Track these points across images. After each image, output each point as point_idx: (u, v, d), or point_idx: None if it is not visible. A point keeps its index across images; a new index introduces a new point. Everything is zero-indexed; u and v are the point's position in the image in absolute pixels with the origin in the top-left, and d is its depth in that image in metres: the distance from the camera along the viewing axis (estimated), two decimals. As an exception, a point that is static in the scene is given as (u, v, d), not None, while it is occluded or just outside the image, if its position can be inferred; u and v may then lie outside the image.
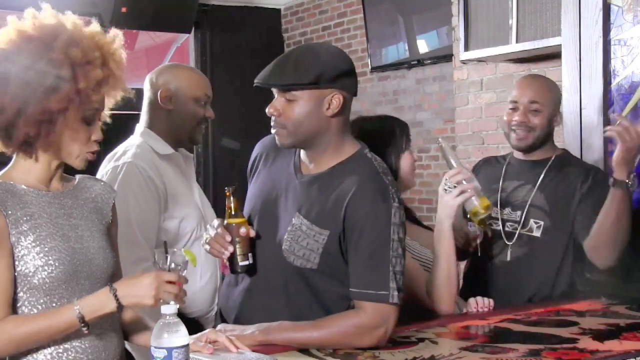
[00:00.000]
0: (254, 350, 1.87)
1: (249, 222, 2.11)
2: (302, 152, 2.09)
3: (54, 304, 1.73)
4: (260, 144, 2.24)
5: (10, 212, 1.71)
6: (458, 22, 4.31)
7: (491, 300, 2.41)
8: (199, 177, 3.98)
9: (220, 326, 2.05)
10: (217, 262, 2.54)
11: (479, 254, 2.51)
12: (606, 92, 2.90)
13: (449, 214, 2.25)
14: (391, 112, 2.77)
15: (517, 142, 2.65)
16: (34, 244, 1.72)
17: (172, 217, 2.50)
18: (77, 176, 1.91)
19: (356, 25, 6.18)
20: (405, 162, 2.44)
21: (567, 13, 3.02)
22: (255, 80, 2.00)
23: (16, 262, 1.71)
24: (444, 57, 5.25)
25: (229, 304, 2.16)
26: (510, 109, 2.66)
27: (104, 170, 2.50)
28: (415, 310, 2.24)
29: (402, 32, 5.73)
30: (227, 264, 2.11)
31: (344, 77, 1.99)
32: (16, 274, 1.71)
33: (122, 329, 1.90)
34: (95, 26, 1.81)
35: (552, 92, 2.67)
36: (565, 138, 3.02)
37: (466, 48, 4.24)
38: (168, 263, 1.77)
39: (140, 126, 2.62)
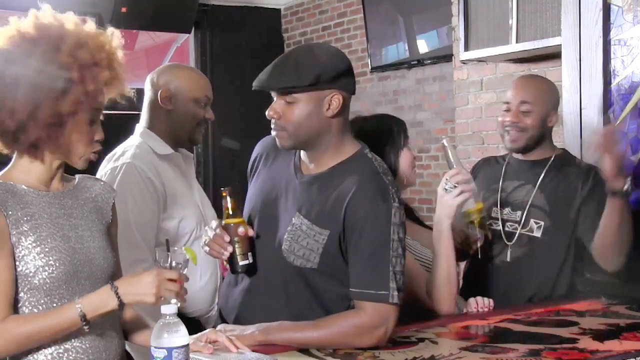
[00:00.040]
0: (254, 350, 1.87)
1: (249, 222, 2.11)
2: (303, 152, 2.09)
3: (54, 304, 1.73)
4: (261, 144, 2.24)
5: (10, 212, 1.71)
6: (458, 22, 4.31)
7: (491, 300, 2.41)
8: (198, 177, 3.97)
9: (220, 326, 2.05)
10: (217, 261, 2.54)
11: (480, 257, 2.51)
12: (606, 92, 2.90)
13: (449, 214, 2.25)
14: (391, 112, 2.77)
15: (511, 143, 2.65)
16: (34, 244, 1.72)
17: (171, 217, 2.50)
18: (77, 176, 1.91)
19: (356, 25, 6.18)
20: (404, 159, 2.44)
21: (567, 13, 3.02)
22: (254, 84, 1.99)
23: (17, 263, 1.71)
24: (444, 57, 5.25)
25: (229, 303, 2.16)
26: (504, 110, 2.67)
27: (103, 170, 2.50)
28: (415, 310, 2.24)
29: (402, 32, 5.73)
30: (227, 264, 2.11)
31: (342, 77, 1.99)
32: (17, 274, 1.71)
33: (122, 328, 1.91)
34: (92, 25, 1.81)
35: (545, 92, 2.65)
36: (565, 138, 3.01)
37: (466, 48, 4.24)
38: (169, 261, 1.78)
39: (140, 126, 2.62)
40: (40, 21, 1.76)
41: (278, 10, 6.96)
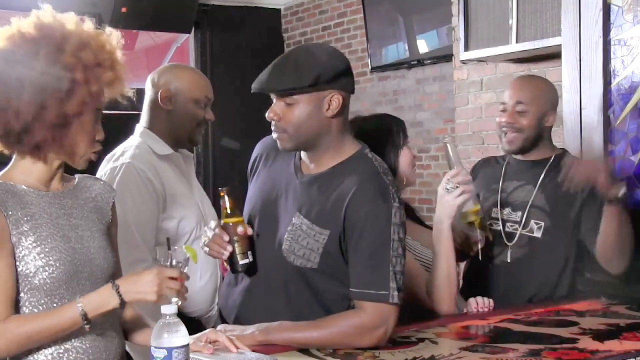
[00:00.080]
0: (254, 350, 1.87)
1: (250, 222, 2.11)
2: (303, 152, 2.09)
3: (54, 304, 1.73)
4: (261, 143, 2.24)
5: (10, 212, 1.71)
6: (458, 22, 4.31)
7: (491, 300, 2.41)
8: (198, 177, 3.98)
9: (220, 326, 2.05)
10: (217, 261, 2.54)
11: (480, 258, 2.51)
12: (606, 92, 2.90)
13: (449, 214, 2.25)
14: (391, 112, 2.77)
15: (508, 145, 2.65)
16: (34, 245, 1.72)
17: (170, 217, 2.50)
18: (77, 176, 1.91)
19: (356, 25, 6.18)
20: (404, 158, 2.44)
21: (567, 13, 3.02)
22: (253, 87, 1.99)
23: (17, 263, 1.71)
24: (444, 57, 5.25)
25: (229, 303, 2.16)
26: (500, 110, 2.67)
27: (103, 170, 2.50)
28: (415, 310, 2.24)
29: (402, 32, 5.73)
30: (227, 264, 2.11)
31: (341, 76, 1.99)
32: (17, 274, 1.71)
33: (121, 328, 1.90)
34: (91, 25, 1.81)
35: (541, 92, 2.65)
36: (565, 138, 3.01)
37: (466, 48, 4.24)
38: (170, 260, 1.78)
39: (140, 126, 2.62)
40: (42, 21, 1.76)
41: (278, 10, 6.96)
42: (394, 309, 1.92)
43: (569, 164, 2.49)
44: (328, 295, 2.02)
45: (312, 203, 2.01)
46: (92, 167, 1.93)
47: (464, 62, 4.42)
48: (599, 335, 2.06)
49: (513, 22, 3.92)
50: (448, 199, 2.25)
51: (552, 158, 2.67)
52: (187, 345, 1.59)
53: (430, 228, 2.37)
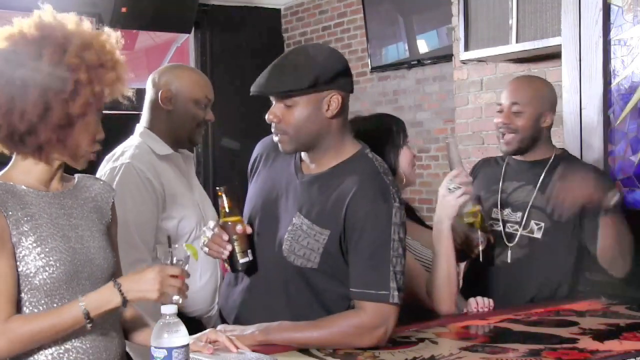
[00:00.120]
0: (254, 350, 1.87)
1: (250, 222, 2.11)
2: (304, 152, 2.09)
3: (54, 305, 1.73)
4: (261, 143, 2.24)
5: (10, 212, 1.71)
6: (458, 22, 4.31)
7: (491, 300, 2.41)
8: (199, 177, 3.97)
9: (220, 326, 2.05)
10: (217, 261, 2.54)
11: (481, 260, 2.51)
12: (606, 92, 2.90)
13: (450, 214, 2.25)
14: (391, 112, 2.77)
15: (505, 145, 2.65)
16: (34, 245, 1.72)
17: (170, 217, 2.50)
18: (77, 176, 1.91)
19: (356, 25, 6.18)
20: (404, 158, 2.44)
21: (567, 13, 3.02)
22: (252, 89, 1.99)
23: (17, 263, 1.71)
24: (444, 57, 5.25)
25: (229, 303, 2.16)
26: (497, 111, 2.68)
27: (103, 171, 2.51)
28: (415, 310, 2.24)
29: (402, 32, 5.73)
30: (227, 263, 2.11)
31: (340, 76, 1.99)
32: (18, 274, 1.71)
33: (121, 327, 1.90)
34: (89, 25, 1.81)
35: (537, 93, 2.64)
36: (565, 138, 3.01)
37: (466, 48, 4.24)
38: (170, 258, 1.78)
39: (140, 126, 2.62)
40: (43, 22, 1.76)
41: (278, 10, 6.96)
42: (394, 309, 1.92)
43: (555, 190, 2.49)
44: (328, 295, 2.02)
45: (312, 203, 2.01)
46: (92, 167, 1.93)
47: (464, 62, 4.42)
48: (599, 335, 2.06)
49: (513, 22, 3.92)
50: (450, 199, 2.25)
51: (552, 158, 2.67)
52: (187, 345, 1.59)
53: (430, 228, 2.37)
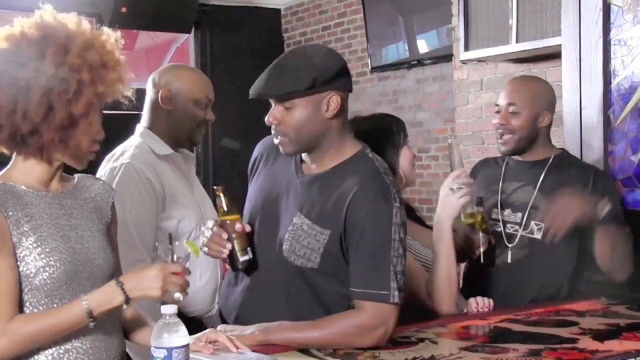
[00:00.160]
0: (254, 350, 1.87)
1: (250, 222, 2.11)
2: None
3: (54, 305, 1.73)
4: (261, 143, 2.24)
5: (11, 213, 1.71)
6: (458, 22, 4.31)
7: (491, 300, 2.41)
8: (198, 177, 3.97)
9: (220, 326, 2.05)
10: (217, 261, 2.54)
11: (482, 262, 2.51)
12: (606, 92, 2.90)
13: (452, 214, 2.25)
14: (391, 112, 2.77)
15: (503, 146, 2.65)
16: (35, 245, 1.71)
17: (170, 217, 2.50)
18: (76, 176, 1.91)
19: (356, 25, 6.18)
20: (404, 157, 2.44)
21: (567, 13, 3.02)
22: (251, 93, 1.99)
23: (18, 263, 1.71)
24: (444, 57, 5.25)
25: (229, 303, 2.16)
26: (495, 112, 2.68)
27: (103, 171, 2.51)
28: (415, 310, 2.24)
29: (402, 32, 5.73)
30: (228, 263, 2.11)
31: (338, 77, 1.99)
32: (19, 274, 1.71)
33: (121, 327, 1.90)
34: (88, 25, 1.81)
35: (534, 93, 2.64)
36: (565, 138, 3.01)
37: (466, 48, 4.24)
38: (171, 255, 1.78)
39: (141, 126, 2.62)
40: (45, 22, 1.75)
41: (278, 10, 6.96)
42: (394, 309, 1.92)
43: (544, 216, 2.51)
44: (328, 295, 2.02)
45: (313, 203, 2.01)
46: (92, 167, 1.93)
47: (464, 62, 4.42)
48: (599, 335, 2.06)
49: (513, 22, 3.92)
50: (452, 199, 2.25)
51: (552, 158, 2.67)
52: (187, 345, 1.59)
53: (430, 228, 2.37)
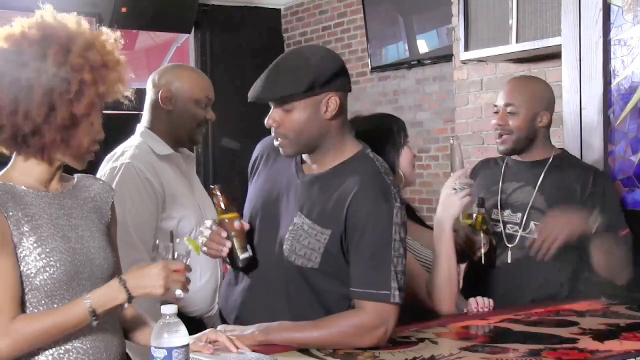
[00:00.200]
0: (254, 350, 1.87)
1: (250, 222, 2.11)
2: (304, 153, 2.09)
3: (55, 305, 1.73)
4: (261, 143, 2.24)
5: (11, 213, 1.71)
6: (458, 22, 4.31)
7: (491, 300, 2.41)
8: (198, 177, 3.97)
9: (220, 326, 2.05)
10: (217, 260, 2.54)
11: (483, 263, 2.51)
12: (606, 92, 2.90)
13: (453, 214, 2.25)
14: (391, 112, 2.77)
15: (501, 146, 2.66)
16: (35, 245, 1.71)
17: (170, 217, 2.50)
18: (76, 175, 1.91)
19: (356, 25, 6.18)
20: (404, 157, 2.44)
21: (567, 13, 3.02)
22: (249, 96, 1.99)
23: (18, 263, 1.71)
24: (444, 57, 5.25)
25: (229, 303, 2.16)
26: (493, 112, 2.68)
27: (103, 171, 2.51)
28: (415, 310, 2.24)
29: (402, 32, 5.73)
30: (228, 261, 2.11)
31: (336, 77, 1.99)
32: (20, 274, 1.71)
33: (121, 327, 1.90)
34: (87, 25, 1.81)
35: (532, 93, 2.63)
36: (565, 138, 3.01)
37: (466, 48, 4.24)
38: (172, 252, 1.78)
39: (141, 126, 2.62)
40: (45, 22, 1.75)
41: (278, 10, 6.96)
42: (395, 308, 1.92)
43: (537, 235, 2.52)
44: (329, 295, 2.02)
45: (313, 203, 2.01)
46: (92, 167, 1.93)
47: (464, 62, 4.42)
48: (599, 335, 2.06)
49: (513, 22, 3.92)
50: (454, 199, 2.25)
51: (551, 158, 2.67)
52: (187, 345, 1.59)
53: (431, 228, 2.37)
